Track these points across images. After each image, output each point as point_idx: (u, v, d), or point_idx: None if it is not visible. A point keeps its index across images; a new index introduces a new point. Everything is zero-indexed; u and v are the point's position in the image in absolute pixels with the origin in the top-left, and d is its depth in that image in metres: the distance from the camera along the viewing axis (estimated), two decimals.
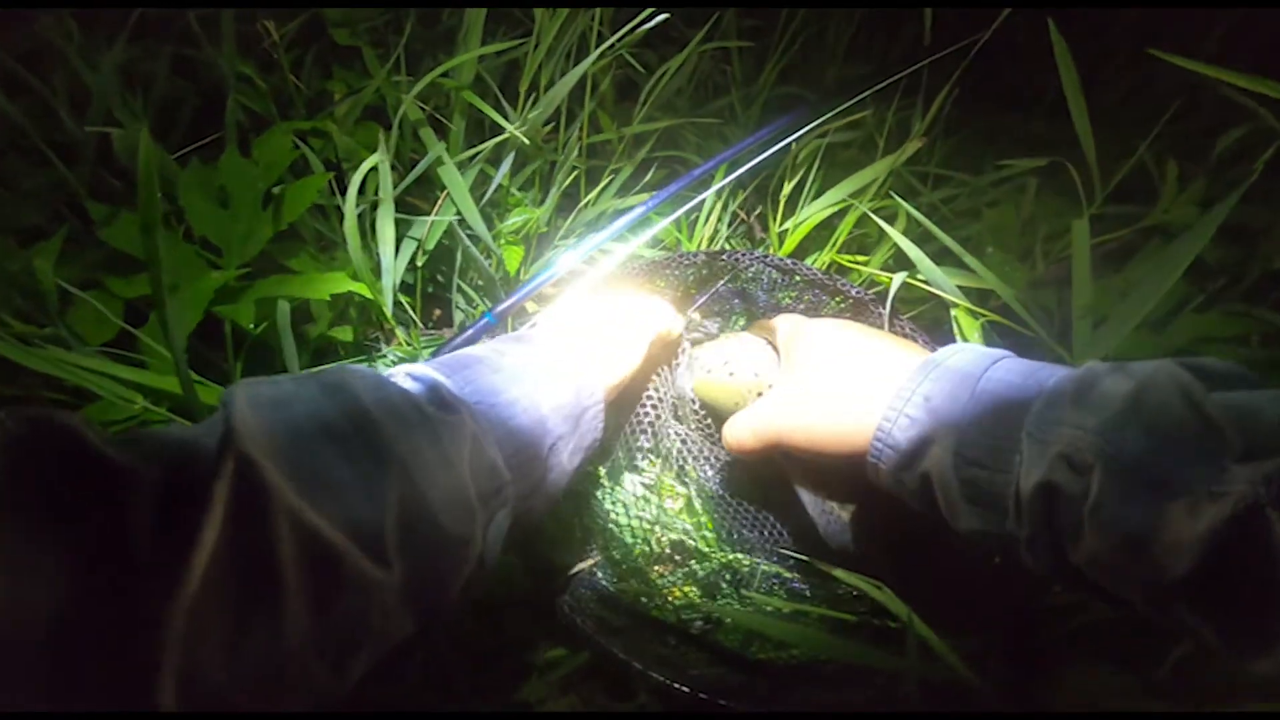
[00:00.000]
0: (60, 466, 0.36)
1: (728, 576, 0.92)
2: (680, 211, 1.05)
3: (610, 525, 0.95)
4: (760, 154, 1.07)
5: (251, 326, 0.89)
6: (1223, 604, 0.46)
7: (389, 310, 1.00)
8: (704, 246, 1.33)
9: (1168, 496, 0.46)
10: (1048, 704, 0.72)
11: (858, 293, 0.99)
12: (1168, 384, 0.50)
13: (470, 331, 0.85)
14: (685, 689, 0.78)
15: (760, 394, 0.87)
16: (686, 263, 1.01)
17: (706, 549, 0.94)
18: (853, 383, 0.68)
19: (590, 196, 1.32)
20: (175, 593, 0.36)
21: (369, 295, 0.96)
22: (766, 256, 1.03)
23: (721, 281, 1.02)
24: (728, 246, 1.35)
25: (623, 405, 0.92)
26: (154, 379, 0.81)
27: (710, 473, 1.00)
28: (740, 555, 0.94)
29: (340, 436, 0.47)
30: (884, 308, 0.97)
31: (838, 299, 1.01)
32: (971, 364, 0.62)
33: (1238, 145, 1.17)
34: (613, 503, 0.95)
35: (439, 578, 0.51)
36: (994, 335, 1.03)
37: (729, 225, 1.36)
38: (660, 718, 0.83)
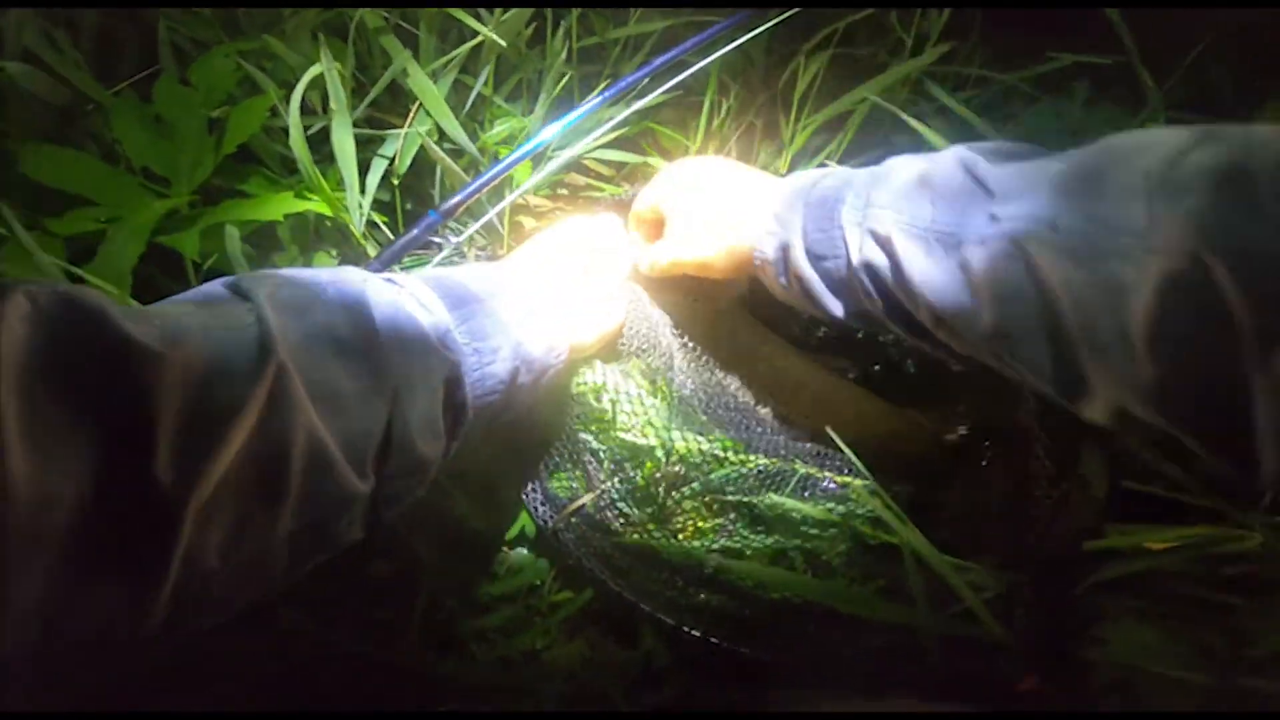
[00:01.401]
0: (89, 346, 0.36)
1: (749, 485, 0.83)
2: (671, 83, 0.95)
3: (615, 447, 0.85)
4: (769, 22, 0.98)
5: (196, 256, 0.80)
6: (1034, 345, 0.50)
7: (357, 229, 0.91)
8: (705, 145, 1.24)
9: (957, 246, 0.53)
10: (1079, 661, 0.69)
11: None
12: (951, 160, 0.57)
13: (416, 231, 0.77)
14: (695, 633, 0.77)
15: None
16: None
17: (724, 452, 0.84)
18: (727, 213, 0.74)
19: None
20: (197, 484, 0.37)
21: (328, 213, 0.88)
22: None
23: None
24: (732, 154, 1.26)
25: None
26: None
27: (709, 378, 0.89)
28: (761, 457, 0.84)
29: (351, 352, 0.49)
30: None
31: None
32: (802, 180, 0.70)
33: None
34: (613, 427, 0.85)
35: (399, 494, 0.54)
36: None
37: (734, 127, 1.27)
38: (664, 717, 0.81)
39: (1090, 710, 0.69)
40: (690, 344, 0.87)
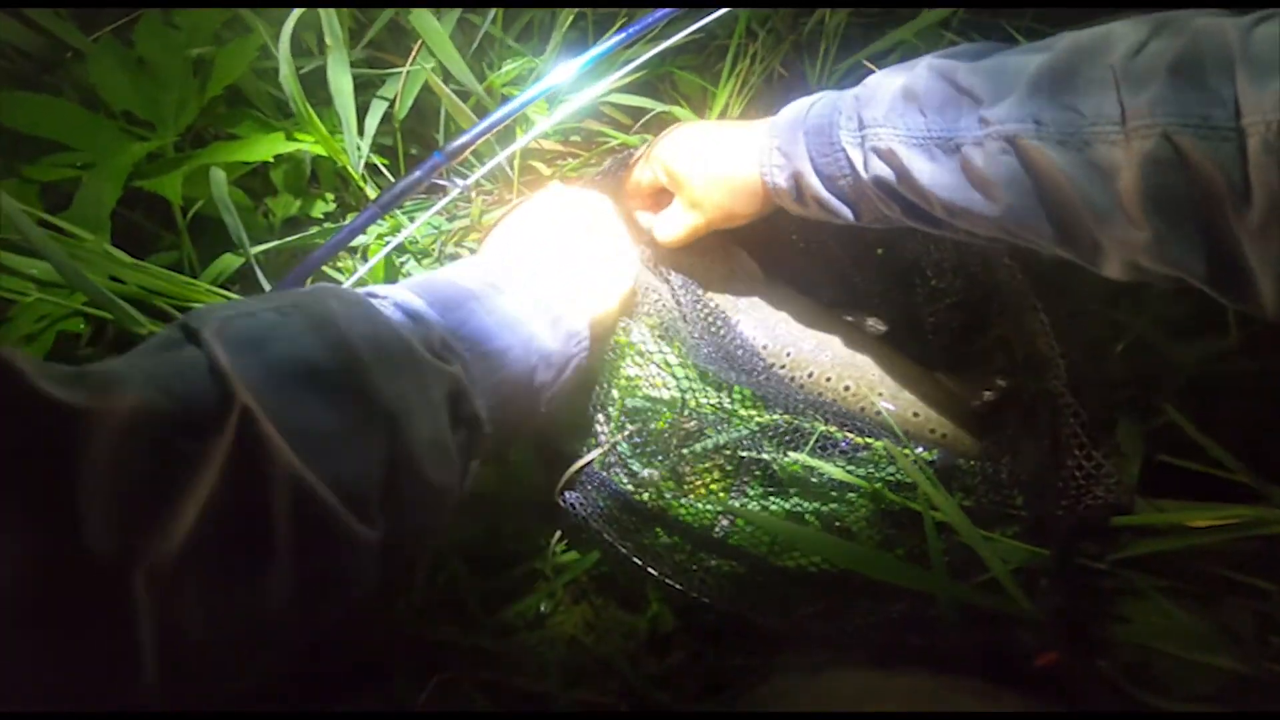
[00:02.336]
0: (3, 412, 0.32)
1: (764, 443, 0.78)
2: (695, 25, 0.87)
3: (626, 399, 0.80)
4: None
5: (179, 200, 0.75)
6: (1043, 223, 0.56)
7: (355, 170, 0.85)
8: (733, 101, 1.17)
9: (956, 149, 0.58)
10: (1099, 639, 0.67)
11: None
12: (925, 71, 0.61)
13: (419, 172, 0.70)
14: (705, 600, 0.73)
15: None
16: None
17: (740, 407, 0.80)
18: (731, 162, 0.75)
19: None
20: (142, 551, 0.33)
21: (322, 153, 0.82)
22: None
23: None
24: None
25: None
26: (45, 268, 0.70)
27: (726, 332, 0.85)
28: (779, 413, 0.79)
29: (328, 381, 0.43)
30: None
31: None
32: (796, 112, 0.71)
33: None
34: (626, 379, 0.81)
35: (419, 532, 0.49)
36: None
37: (761, 75, 1.20)
38: (671, 717, 0.77)
39: (1091, 710, 0.66)
40: (704, 299, 0.83)
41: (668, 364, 0.79)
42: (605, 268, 0.74)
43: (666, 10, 0.81)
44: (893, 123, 0.62)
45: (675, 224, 0.79)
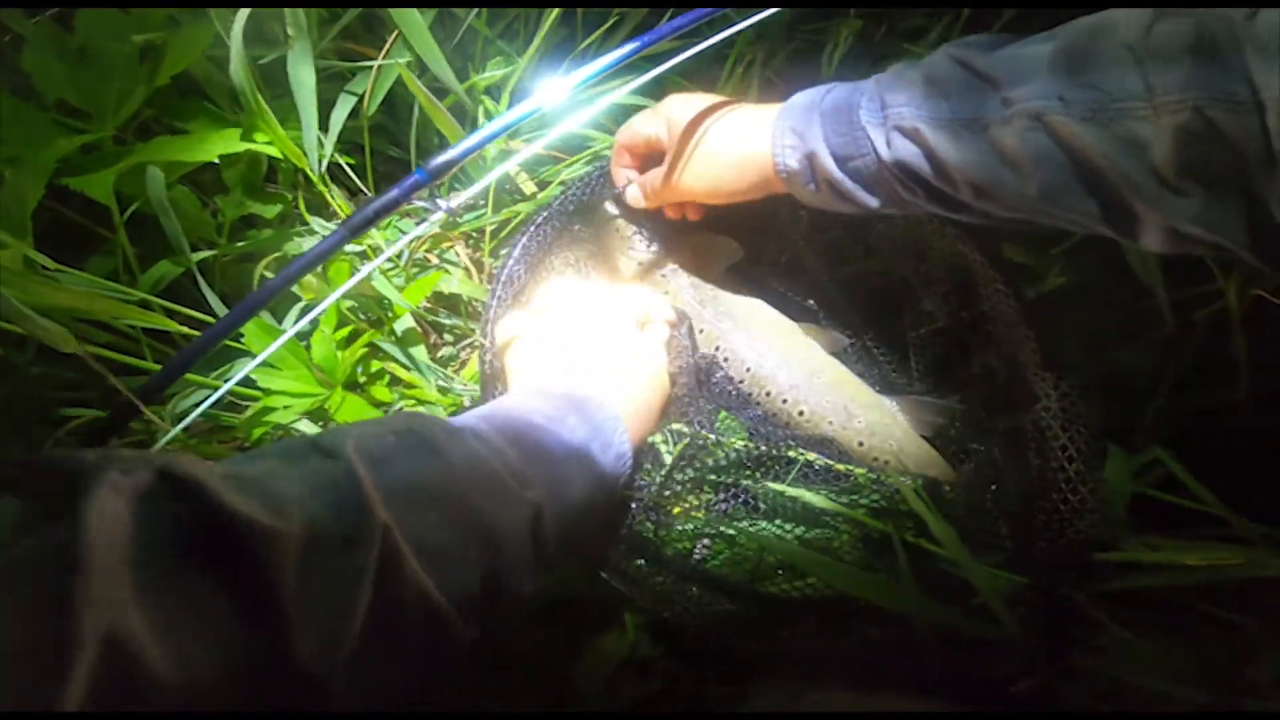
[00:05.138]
0: (196, 526, 0.35)
1: (747, 470, 0.78)
2: (698, 48, 0.79)
3: None
4: None
5: (108, 200, 0.66)
6: (1078, 197, 0.57)
7: (314, 170, 0.77)
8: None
9: (984, 129, 0.58)
10: (1076, 665, 0.67)
11: None
12: (943, 59, 0.62)
13: (396, 192, 0.62)
14: (685, 624, 0.72)
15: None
16: None
17: (725, 435, 0.80)
18: (739, 135, 0.74)
19: (586, 42, 1.05)
20: (334, 657, 0.36)
21: (277, 154, 0.74)
22: None
23: None
24: None
25: None
26: None
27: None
28: (763, 443, 0.79)
29: (442, 501, 0.47)
30: None
31: None
32: (808, 96, 0.71)
33: None
34: None
35: (497, 630, 0.51)
36: None
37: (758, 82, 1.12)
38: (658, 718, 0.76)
39: (1089, 711, 0.67)
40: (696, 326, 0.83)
41: None
42: (647, 381, 0.73)
43: (678, 23, 0.73)
44: (916, 104, 0.62)
45: (658, 187, 0.79)
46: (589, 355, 0.70)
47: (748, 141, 0.73)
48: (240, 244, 0.77)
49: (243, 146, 0.71)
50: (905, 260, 0.87)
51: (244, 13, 0.70)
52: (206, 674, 0.32)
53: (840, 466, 0.78)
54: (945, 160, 0.61)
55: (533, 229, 0.83)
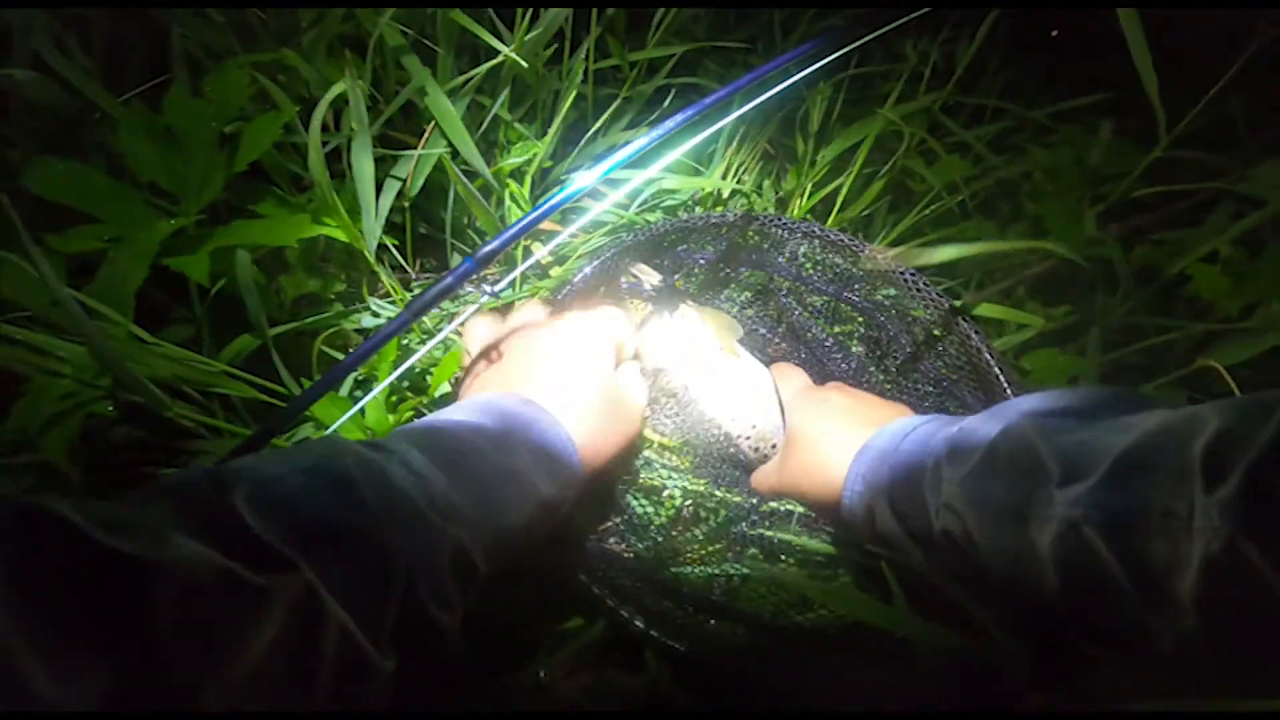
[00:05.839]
0: (70, 561, 0.34)
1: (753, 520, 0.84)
2: (699, 138, 0.88)
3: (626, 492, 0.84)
4: (785, 79, 0.90)
5: (206, 281, 0.73)
6: (1089, 621, 0.53)
7: (370, 253, 0.84)
8: (727, 180, 1.19)
9: (1024, 524, 0.54)
10: (1081, 686, 0.63)
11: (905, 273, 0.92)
12: (1017, 433, 0.58)
13: (450, 279, 0.66)
14: (705, 659, 0.74)
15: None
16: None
17: (724, 495, 0.85)
18: (824, 465, 0.76)
19: (598, 125, 1.15)
20: (221, 679, 0.36)
21: (343, 239, 0.81)
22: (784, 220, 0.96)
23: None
24: (747, 181, 1.22)
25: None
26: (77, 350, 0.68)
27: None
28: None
29: (352, 541, 0.47)
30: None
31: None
32: (887, 443, 0.70)
33: None
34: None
35: (426, 661, 0.51)
36: None
37: (756, 159, 1.22)
38: (676, 715, 0.78)
39: (1086, 711, 0.65)
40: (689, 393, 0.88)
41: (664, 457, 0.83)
42: (610, 407, 0.73)
43: (699, 106, 0.80)
44: (966, 486, 0.60)
45: (764, 477, 0.85)
46: (552, 374, 0.71)
47: (827, 476, 0.75)
48: (306, 320, 0.83)
49: (314, 230, 0.78)
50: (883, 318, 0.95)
51: (321, 108, 0.78)
52: (92, 691, 0.32)
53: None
54: (981, 547, 0.58)
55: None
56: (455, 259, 1.03)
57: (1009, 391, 0.84)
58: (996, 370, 0.86)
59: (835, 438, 0.77)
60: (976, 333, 0.87)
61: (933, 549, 0.65)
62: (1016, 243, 0.97)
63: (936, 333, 0.91)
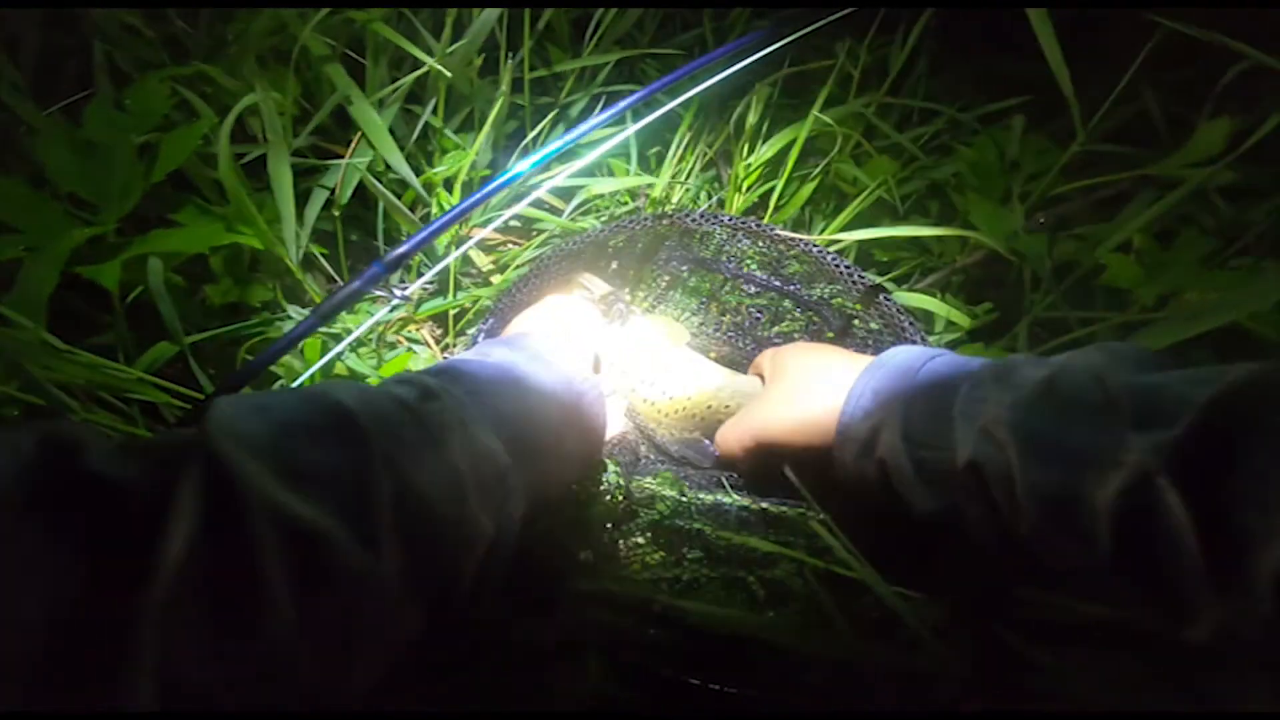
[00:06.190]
0: (58, 483, 0.35)
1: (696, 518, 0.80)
2: (638, 125, 0.89)
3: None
4: (722, 71, 0.90)
5: (116, 289, 0.75)
6: (1142, 572, 0.46)
7: (293, 261, 0.86)
8: (669, 179, 1.21)
9: (1079, 466, 0.48)
10: (1019, 685, 0.61)
11: (838, 263, 0.91)
12: (1081, 368, 0.51)
13: (358, 283, 0.69)
14: (652, 668, 0.71)
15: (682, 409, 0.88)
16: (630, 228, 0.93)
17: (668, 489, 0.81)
18: (818, 386, 0.70)
19: (536, 132, 1.16)
20: (142, 596, 0.34)
21: (259, 245, 0.82)
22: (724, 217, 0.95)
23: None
24: (692, 182, 1.23)
25: None
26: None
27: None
28: (704, 493, 0.81)
29: (322, 432, 0.44)
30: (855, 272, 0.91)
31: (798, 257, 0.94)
32: (910, 360, 0.64)
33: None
34: None
35: (442, 565, 0.47)
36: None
37: (696, 161, 1.23)
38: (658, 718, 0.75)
39: (1082, 711, 0.61)
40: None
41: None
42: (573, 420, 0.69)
43: (621, 105, 0.82)
44: (1018, 413, 0.51)
45: (737, 427, 0.78)
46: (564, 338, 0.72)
47: (826, 387, 0.69)
48: (226, 328, 0.84)
49: (228, 238, 0.80)
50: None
51: (229, 120, 0.80)
52: (26, 617, 0.32)
53: (774, 509, 0.77)
54: (1022, 486, 0.50)
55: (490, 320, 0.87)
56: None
57: None
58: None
59: (838, 357, 0.73)
60: (903, 315, 0.89)
61: (943, 486, 0.58)
62: (939, 229, 0.98)
63: (874, 326, 0.91)
